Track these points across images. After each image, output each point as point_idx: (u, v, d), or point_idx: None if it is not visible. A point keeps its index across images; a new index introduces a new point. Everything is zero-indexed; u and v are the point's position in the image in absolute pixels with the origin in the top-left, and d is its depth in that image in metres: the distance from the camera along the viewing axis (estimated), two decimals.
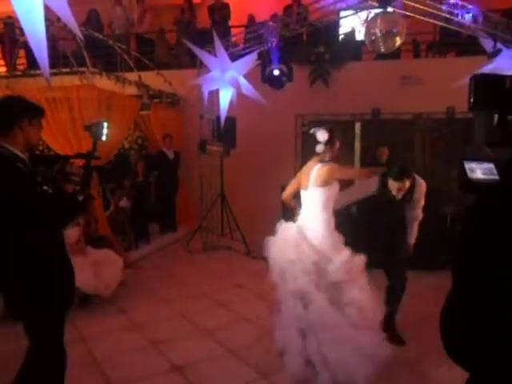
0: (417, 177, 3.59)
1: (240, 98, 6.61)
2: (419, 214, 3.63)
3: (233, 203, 6.98)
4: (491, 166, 1.22)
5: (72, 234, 4.38)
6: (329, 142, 3.04)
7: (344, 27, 7.67)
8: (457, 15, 5.08)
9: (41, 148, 7.38)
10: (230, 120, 6.87)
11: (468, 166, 1.25)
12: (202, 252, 6.60)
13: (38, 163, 2.22)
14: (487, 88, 1.20)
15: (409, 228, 3.63)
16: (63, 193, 2.11)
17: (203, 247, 6.72)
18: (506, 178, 0.87)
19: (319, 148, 3.05)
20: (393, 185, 3.42)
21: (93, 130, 2.34)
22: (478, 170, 1.22)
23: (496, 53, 5.43)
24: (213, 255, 6.48)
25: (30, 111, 2.16)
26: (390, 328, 3.47)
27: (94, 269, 4.23)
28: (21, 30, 3.28)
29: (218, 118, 6.78)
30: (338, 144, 3.11)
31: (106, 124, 2.34)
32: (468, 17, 5.09)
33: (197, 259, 6.28)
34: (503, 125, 1.17)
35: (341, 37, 7.86)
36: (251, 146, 7.49)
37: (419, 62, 7.63)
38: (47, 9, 2.85)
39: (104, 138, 2.35)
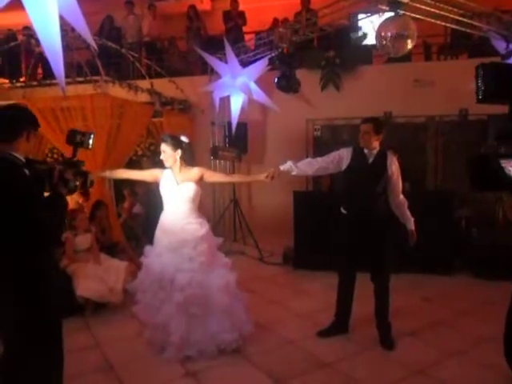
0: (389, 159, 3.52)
1: (251, 103, 6.65)
2: (402, 197, 3.56)
3: (245, 208, 7.00)
4: None
5: (84, 240, 4.43)
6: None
7: (360, 31, 7.61)
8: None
9: (55, 156, 7.52)
10: (242, 126, 6.91)
11: (504, 163, 1.19)
12: None
13: (33, 169, 2.23)
14: (497, 78, 1.15)
15: (400, 217, 3.57)
16: (62, 196, 2.19)
17: None
18: None
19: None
20: None
21: (77, 139, 2.35)
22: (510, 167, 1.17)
23: (509, 54, 5.38)
24: None
25: (35, 123, 2.23)
26: (385, 331, 3.48)
27: (106, 277, 4.25)
28: (37, 40, 3.36)
29: (230, 123, 6.83)
30: None
31: (92, 135, 2.40)
32: None
33: None
34: None
35: (351, 41, 7.85)
36: (263, 151, 7.52)
37: (431, 65, 7.58)
38: (62, 19, 2.91)
39: (90, 147, 2.40)
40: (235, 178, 3.85)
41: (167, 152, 3.42)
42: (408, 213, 3.57)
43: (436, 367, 3.14)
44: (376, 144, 3.49)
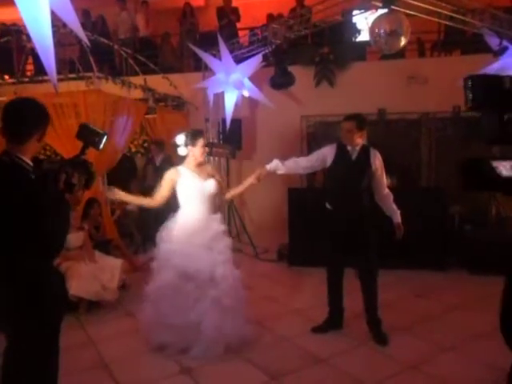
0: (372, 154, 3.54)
1: (245, 100, 6.63)
2: (387, 191, 3.58)
3: (240, 205, 6.99)
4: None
5: (76, 238, 4.40)
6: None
7: (356, 27, 7.58)
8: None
9: (48, 154, 7.46)
10: (236, 122, 6.89)
11: (498, 164, 1.24)
12: None
13: (39, 169, 2.08)
14: (485, 88, 1.23)
15: (386, 210, 3.59)
16: (67, 204, 2.03)
17: None
18: None
19: None
20: None
21: (92, 137, 2.19)
22: (508, 167, 1.22)
23: (502, 50, 5.40)
24: None
25: (49, 121, 2.06)
26: (376, 327, 3.50)
27: (101, 275, 4.24)
28: (28, 36, 3.32)
29: (224, 120, 6.81)
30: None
31: (106, 136, 2.23)
32: None
33: None
34: (504, 123, 1.19)
35: (345, 37, 7.83)
36: (257, 147, 7.51)
37: (424, 61, 7.60)
38: (53, 15, 2.88)
39: (101, 147, 2.22)
40: (231, 193, 3.81)
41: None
42: (394, 206, 3.58)
43: (429, 363, 3.16)
44: (359, 140, 3.51)
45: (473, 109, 1.25)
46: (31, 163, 1.96)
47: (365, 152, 3.52)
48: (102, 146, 2.22)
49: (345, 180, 3.47)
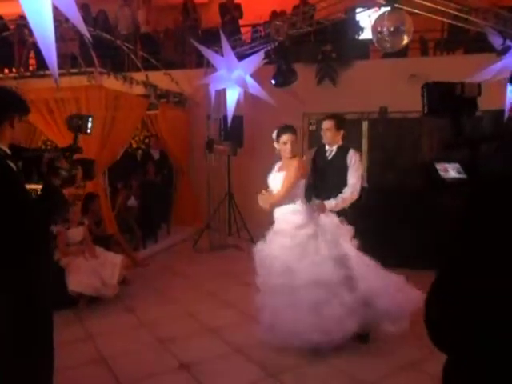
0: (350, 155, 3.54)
1: (247, 97, 6.61)
2: (348, 190, 3.53)
3: (240, 202, 6.99)
4: (458, 165, 1.27)
5: (76, 233, 4.40)
6: None
7: (359, 25, 7.57)
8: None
9: (49, 148, 7.47)
10: (237, 119, 6.88)
11: (440, 166, 1.30)
12: (210, 251, 6.61)
13: (19, 157, 2.04)
14: (439, 95, 1.31)
15: None
16: (57, 189, 2.00)
17: (211, 246, 6.73)
18: (473, 178, 0.92)
19: None
20: None
21: (78, 122, 2.22)
22: (451, 170, 1.28)
23: (505, 50, 5.38)
24: (220, 254, 6.49)
25: (22, 107, 2.02)
26: None
27: (101, 270, 4.23)
28: (30, 30, 3.31)
29: (225, 117, 6.79)
30: None
31: (91, 118, 2.24)
32: None
33: (204, 258, 6.30)
34: (457, 128, 1.26)
35: (348, 35, 7.81)
36: (258, 144, 7.48)
37: (427, 60, 7.57)
38: (55, 9, 2.87)
39: (89, 131, 2.24)
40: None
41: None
42: (339, 199, 3.46)
43: (428, 362, 3.16)
44: (337, 140, 3.56)
45: (429, 115, 1.31)
46: (8, 150, 1.94)
47: (342, 152, 3.56)
48: (89, 129, 2.23)
49: (324, 179, 3.52)
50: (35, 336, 1.98)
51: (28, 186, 1.98)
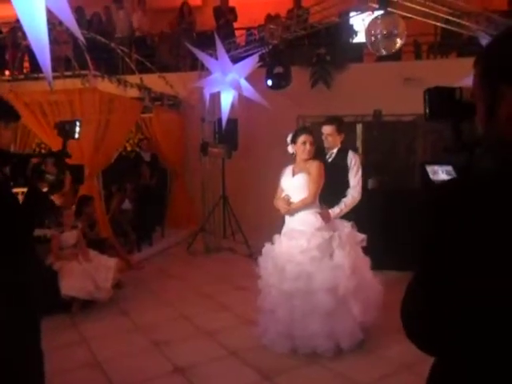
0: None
1: (241, 100, 6.62)
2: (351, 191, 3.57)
3: (235, 205, 6.98)
4: (450, 168, 1.30)
5: (70, 237, 4.38)
6: None
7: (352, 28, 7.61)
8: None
9: (43, 152, 7.43)
10: (232, 122, 6.88)
11: (429, 168, 1.34)
12: (204, 254, 6.60)
13: (4, 161, 2.00)
14: (440, 100, 1.34)
15: None
16: (39, 193, 1.97)
17: (205, 249, 6.71)
18: (467, 179, 0.95)
19: None
20: None
21: (66, 128, 2.21)
22: (440, 172, 1.31)
23: None
24: (215, 257, 6.48)
25: (8, 115, 2.00)
26: None
27: (95, 274, 4.20)
28: (23, 33, 3.30)
29: (220, 120, 6.80)
30: None
31: (78, 123, 2.22)
32: None
33: (199, 261, 6.28)
34: (457, 132, 1.29)
35: (342, 38, 7.86)
36: (253, 147, 7.50)
37: (421, 63, 7.62)
38: (49, 12, 2.87)
39: (77, 136, 2.22)
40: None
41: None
42: (343, 204, 3.47)
43: (423, 363, 3.16)
44: (338, 143, 3.59)
45: (430, 120, 1.35)
46: None
47: (342, 154, 3.56)
48: (77, 134, 2.21)
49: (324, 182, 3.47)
50: (20, 340, 1.93)
51: (15, 190, 1.97)
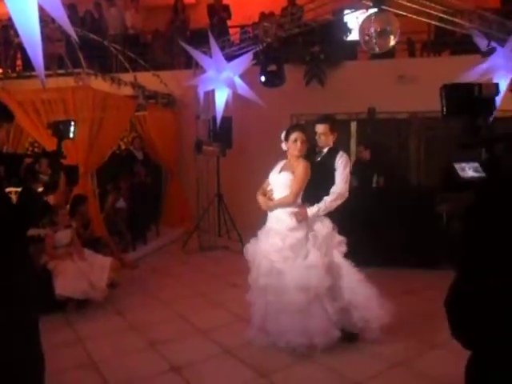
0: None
1: (236, 98, 6.61)
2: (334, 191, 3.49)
3: (229, 203, 6.98)
4: (477, 164, 1.30)
5: (64, 236, 4.35)
6: None
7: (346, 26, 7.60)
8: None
9: (36, 150, 7.37)
10: (226, 120, 6.87)
11: (458, 166, 1.33)
12: (199, 252, 6.60)
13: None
14: (457, 96, 1.34)
15: None
16: (33, 193, 1.96)
17: (200, 247, 6.71)
18: (492, 176, 0.94)
19: None
20: None
21: (60, 127, 2.21)
22: (468, 169, 1.30)
23: (490, 51, 5.46)
24: (210, 255, 6.48)
25: (1, 115, 1.99)
26: None
27: (90, 273, 4.18)
28: (15, 31, 3.27)
29: (214, 118, 6.78)
30: None
31: (73, 122, 2.22)
32: None
33: (194, 259, 6.28)
34: (474, 128, 1.29)
35: (336, 36, 7.86)
36: (247, 145, 7.50)
37: (414, 61, 7.65)
38: (41, 9, 2.84)
39: (72, 135, 2.22)
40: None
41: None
42: (323, 204, 3.37)
43: (417, 360, 3.19)
44: (330, 142, 3.57)
45: (447, 116, 1.34)
46: None
47: (331, 154, 3.54)
48: (72, 134, 2.19)
49: (314, 181, 3.43)
50: (17, 341, 1.92)
51: (7, 190, 1.94)
